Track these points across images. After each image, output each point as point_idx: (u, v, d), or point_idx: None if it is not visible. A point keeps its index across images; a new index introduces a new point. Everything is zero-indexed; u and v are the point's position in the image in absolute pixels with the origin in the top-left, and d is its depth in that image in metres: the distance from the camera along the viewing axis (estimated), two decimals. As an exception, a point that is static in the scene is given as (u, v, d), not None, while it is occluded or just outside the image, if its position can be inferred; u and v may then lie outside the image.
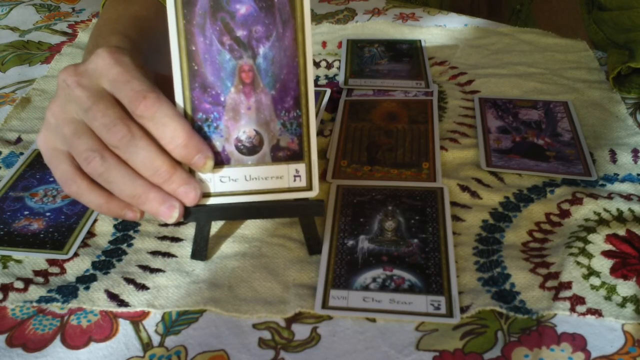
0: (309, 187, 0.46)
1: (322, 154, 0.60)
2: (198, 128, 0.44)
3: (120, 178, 0.43)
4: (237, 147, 0.45)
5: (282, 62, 0.44)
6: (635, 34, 0.68)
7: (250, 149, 0.45)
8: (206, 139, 0.44)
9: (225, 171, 0.45)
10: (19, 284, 0.47)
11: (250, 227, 0.52)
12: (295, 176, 0.45)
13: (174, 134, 0.42)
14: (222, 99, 0.44)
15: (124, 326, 0.44)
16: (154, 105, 0.42)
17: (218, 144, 0.45)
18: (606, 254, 0.46)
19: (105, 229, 0.52)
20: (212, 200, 0.45)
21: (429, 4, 0.94)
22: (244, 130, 0.44)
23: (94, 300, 0.46)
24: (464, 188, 0.55)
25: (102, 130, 0.43)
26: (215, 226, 0.52)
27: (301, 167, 0.45)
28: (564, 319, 0.43)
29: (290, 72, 0.44)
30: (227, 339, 0.43)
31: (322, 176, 0.57)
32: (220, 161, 0.45)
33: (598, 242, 0.47)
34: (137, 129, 0.43)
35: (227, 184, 0.45)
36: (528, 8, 1.03)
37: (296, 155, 0.45)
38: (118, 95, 0.43)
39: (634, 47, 0.67)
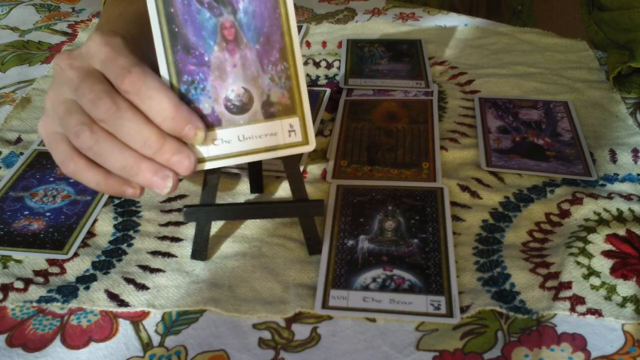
0: (306, 142, 0.44)
1: (322, 154, 0.60)
2: (185, 91, 0.43)
3: (109, 150, 0.43)
4: (226, 107, 0.43)
5: (264, 15, 0.43)
6: (635, 34, 0.68)
7: (241, 108, 0.44)
8: (194, 101, 0.43)
9: (218, 133, 0.44)
10: (19, 284, 0.47)
11: (250, 227, 0.52)
12: (290, 131, 0.44)
13: (160, 107, 0.42)
14: (206, 58, 0.43)
15: (124, 326, 0.44)
16: (139, 79, 0.42)
17: (207, 105, 0.43)
18: (606, 254, 0.46)
19: (105, 229, 0.52)
20: (208, 165, 0.44)
21: (429, 4, 0.94)
22: (232, 89, 0.43)
23: (94, 300, 0.46)
24: (464, 188, 0.55)
25: (89, 105, 0.43)
26: (215, 226, 0.52)
27: (295, 121, 0.44)
28: (564, 319, 0.43)
29: (273, 24, 0.43)
30: (227, 339, 0.43)
31: (322, 176, 0.57)
32: (211, 124, 0.43)
33: (598, 242, 0.47)
34: (123, 101, 0.42)
35: (221, 146, 0.44)
36: (529, 8, 1.03)
37: (288, 109, 0.44)
38: (106, 73, 0.43)
39: (634, 47, 0.67)
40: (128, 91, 0.42)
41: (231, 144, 0.44)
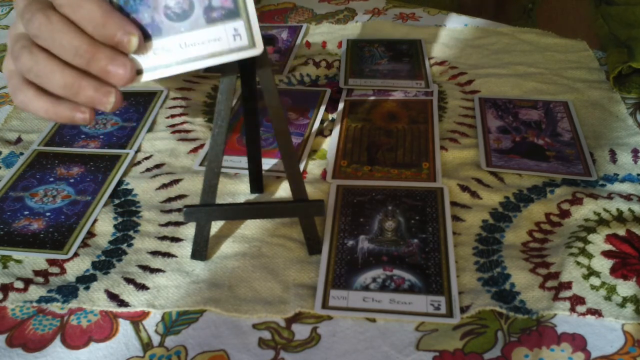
0: (252, 45, 0.42)
1: (322, 154, 0.60)
2: (124, 3, 0.42)
3: (48, 68, 0.42)
4: (166, 15, 0.42)
5: None
6: (636, 31, 0.68)
7: (181, 15, 0.42)
8: (133, 12, 0.42)
9: (158, 42, 0.42)
10: (19, 284, 0.47)
11: (250, 227, 0.52)
12: (234, 35, 0.42)
13: (90, 15, 0.41)
14: None
15: (124, 326, 0.44)
16: None
17: (146, 15, 0.42)
18: (606, 254, 0.46)
19: (105, 229, 0.52)
20: (146, 77, 0.42)
21: (439, 5, 0.94)
22: None
23: (94, 300, 0.46)
24: (464, 188, 0.55)
25: (26, 25, 0.43)
26: (215, 226, 0.52)
27: (239, 24, 0.42)
28: (564, 319, 0.43)
29: None
30: (227, 339, 0.43)
31: (322, 176, 0.57)
32: (150, 34, 0.42)
33: (598, 242, 0.47)
34: (55, 15, 0.42)
35: (162, 56, 0.42)
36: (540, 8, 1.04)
37: (232, 13, 0.42)
38: None
39: (633, 46, 0.67)
40: (61, 4, 0.42)
41: (172, 52, 0.42)
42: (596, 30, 0.76)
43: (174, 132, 0.64)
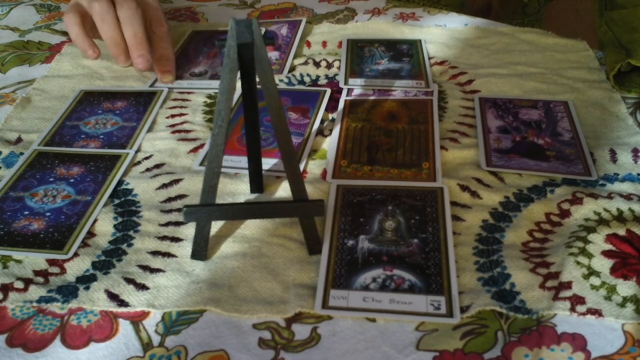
0: None
1: (322, 154, 0.60)
2: None
3: (106, 23, 0.71)
4: None
5: None
6: (638, 35, 0.68)
7: None
8: None
9: None
10: (19, 284, 0.47)
11: (250, 227, 0.52)
12: None
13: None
14: None
15: (124, 326, 0.44)
16: None
17: None
18: (606, 253, 0.46)
19: (105, 229, 0.52)
20: None
21: (450, 4, 0.94)
22: None
23: (94, 300, 0.46)
24: (464, 188, 0.55)
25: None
26: (215, 226, 0.52)
27: None
28: (564, 319, 0.43)
29: None
30: (227, 339, 0.43)
31: (322, 176, 0.57)
32: None
33: (598, 242, 0.47)
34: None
35: None
36: (539, 4, 1.04)
37: None
38: None
39: (632, 48, 0.67)
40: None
41: None
42: (600, 36, 0.76)
43: (174, 132, 0.64)
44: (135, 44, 0.71)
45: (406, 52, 0.76)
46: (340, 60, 0.76)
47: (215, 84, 0.72)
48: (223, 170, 0.57)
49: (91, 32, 0.74)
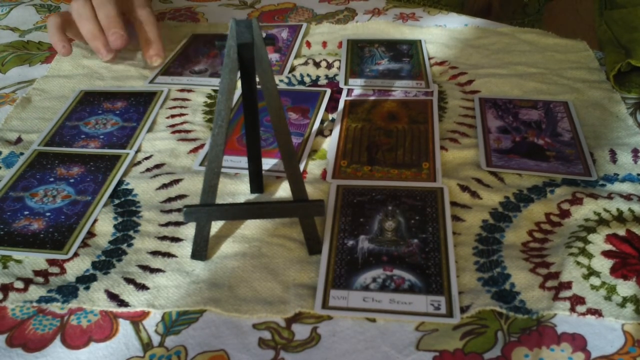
0: None
1: (322, 154, 0.60)
2: None
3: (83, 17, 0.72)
4: None
5: None
6: (638, 34, 0.68)
7: None
8: None
9: None
10: (19, 284, 0.47)
11: (250, 227, 0.52)
12: None
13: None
14: None
15: (124, 326, 0.44)
16: None
17: None
18: (606, 254, 0.46)
19: (105, 229, 0.52)
20: None
21: (451, 4, 0.94)
22: None
23: (94, 300, 0.46)
24: (464, 188, 0.55)
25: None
26: (215, 226, 0.52)
27: None
28: (564, 319, 0.43)
29: None
30: (227, 339, 0.43)
31: (322, 176, 0.57)
32: None
33: (598, 242, 0.47)
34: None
35: None
36: (539, 4, 1.04)
37: None
38: None
39: (632, 47, 0.67)
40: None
41: None
42: (599, 36, 0.76)
43: (174, 132, 0.64)
44: (108, 24, 0.71)
45: (406, 53, 0.76)
46: (340, 61, 0.76)
47: (215, 81, 0.72)
48: (223, 170, 0.57)
49: (78, 37, 0.75)
